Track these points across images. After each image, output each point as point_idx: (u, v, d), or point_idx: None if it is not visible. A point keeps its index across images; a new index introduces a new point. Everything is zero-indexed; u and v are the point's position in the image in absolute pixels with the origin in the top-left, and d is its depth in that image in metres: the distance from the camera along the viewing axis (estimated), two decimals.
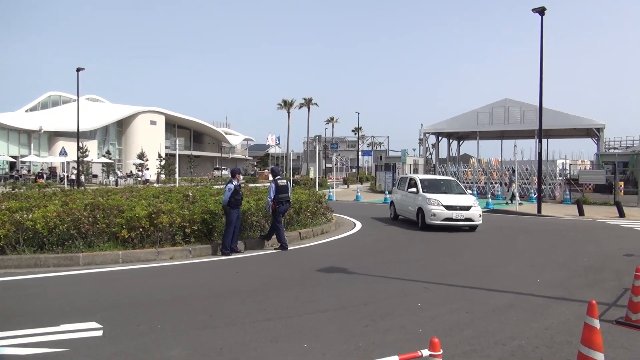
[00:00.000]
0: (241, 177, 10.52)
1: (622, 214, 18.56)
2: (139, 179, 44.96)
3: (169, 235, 9.81)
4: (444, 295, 7.02)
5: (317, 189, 23.03)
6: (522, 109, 39.81)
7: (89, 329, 5.26)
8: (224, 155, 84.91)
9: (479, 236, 13.23)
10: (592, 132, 39.95)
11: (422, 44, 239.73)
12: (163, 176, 48.90)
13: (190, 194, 12.43)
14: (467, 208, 13.99)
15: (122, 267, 8.64)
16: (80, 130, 36.59)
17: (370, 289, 7.31)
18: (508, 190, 23.78)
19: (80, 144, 40.33)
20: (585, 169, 36.07)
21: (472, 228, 14.20)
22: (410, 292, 7.17)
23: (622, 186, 26.69)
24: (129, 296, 6.80)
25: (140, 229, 9.44)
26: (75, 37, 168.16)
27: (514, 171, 25.29)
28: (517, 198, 21.78)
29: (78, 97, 35.93)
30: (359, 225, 15.17)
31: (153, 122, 62.74)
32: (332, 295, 6.91)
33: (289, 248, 10.75)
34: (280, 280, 7.94)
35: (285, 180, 11.03)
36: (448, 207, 13.91)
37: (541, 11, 19.94)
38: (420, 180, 15.64)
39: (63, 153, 32.70)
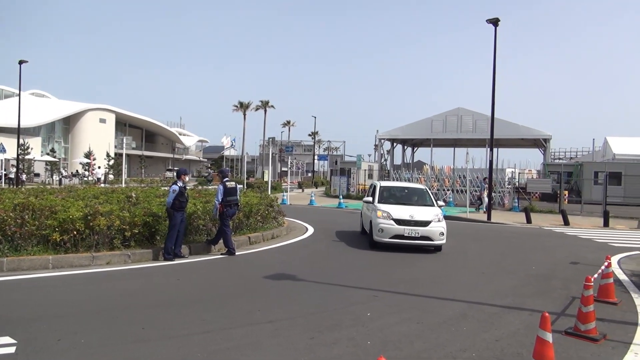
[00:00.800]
0: (187, 178, 9.99)
1: (566, 222, 19.09)
2: (88, 178, 43.07)
3: (106, 239, 9.16)
4: (394, 305, 6.78)
5: (269, 192, 22.60)
6: (474, 118, 40.67)
7: (0, 345, 4.67)
8: (177, 156, 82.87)
9: None
10: (540, 143, 41.25)
11: (381, 50, 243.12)
12: (111, 176, 47.04)
13: (133, 195, 11.77)
14: (425, 224, 11.31)
15: (51, 274, 7.94)
16: (22, 126, 34.64)
17: (318, 297, 6.99)
18: (481, 199, 24.46)
19: (22, 141, 38.20)
20: (532, 178, 37.25)
21: (437, 248, 11.70)
22: (360, 301, 6.90)
23: (567, 195, 27.68)
24: (53, 306, 6.18)
25: (74, 232, 8.74)
26: (20, 29, 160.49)
27: (485, 179, 25.38)
28: (484, 205, 22.79)
29: (20, 90, 33.99)
30: (311, 230, 14.85)
31: (102, 120, 60.40)
32: (279, 305, 6.55)
33: (237, 253, 10.29)
34: (224, 288, 7.50)
35: (234, 183, 10.58)
36: (399, 222, 11.31)
37: (495, 22, 20.34)
38: (381, 187, 13.33)
39: (1, 150, 30.80)
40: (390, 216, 11.51)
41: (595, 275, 6.28)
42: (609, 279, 7.35)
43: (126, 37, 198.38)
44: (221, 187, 10.26)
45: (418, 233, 11.29)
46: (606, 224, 18.91)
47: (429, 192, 13.80)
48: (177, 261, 9.34)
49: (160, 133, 79.16)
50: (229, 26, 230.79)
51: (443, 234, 11.50)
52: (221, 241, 10.36)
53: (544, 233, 16.68)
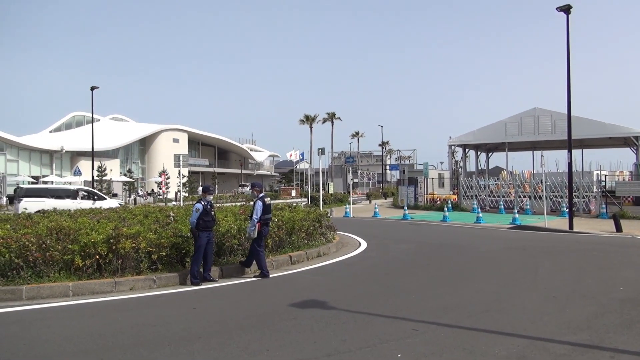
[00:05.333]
0: (210, 197, 9.26)
1: None
2: (163, 196, 44.68)
3: (133, 263, 8.65)
4: (435, 342, 5.54)
5: (321, 206, 21.66)
6: (553, 118, 37.53)
7: None
8: (247, 171, 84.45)
9: (495, 259, 11.59)
10: (630, 141, 37.31)
11: (449, 53, 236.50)
12: (185, 194, 48.38)
13: (172, 214, 11.28)
14: None
15: (67, 302, 7.45)
16: (102, 149, 36.43)
17: (344, 332, 5.90)
18: None
19: (100, 163, 40.21)
20: (623, 180, 33.61)
21: None
22: (393, 337, 5.73)
23: None
24: (31, 346, 5.56)
25: (97, 256, 8.30)
26: (96, 54, 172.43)
27: None
28: None
29: (92, 115, 35.77)
30: (363, 246, 13.71)
31: (176, 140, 62.75)
32: (293, 342, 5.54)
33: (273, 274, 9.45)
34: (239, 319, 6.59)
35: (269, 198, 9.75)
36: None
37: (566, 10, 18.31)
38: None
39: (77, 172, 32.41)
40: None
41: None
42: None
43: (199, 64, 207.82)
44: (260, 203, 9.40)
45: None
46: None
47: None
48: (204, 286, 8.62)
49: (232, 150, 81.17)
50: (295, 39, 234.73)
51: None
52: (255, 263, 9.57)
53: (637, 244, 14.40)
